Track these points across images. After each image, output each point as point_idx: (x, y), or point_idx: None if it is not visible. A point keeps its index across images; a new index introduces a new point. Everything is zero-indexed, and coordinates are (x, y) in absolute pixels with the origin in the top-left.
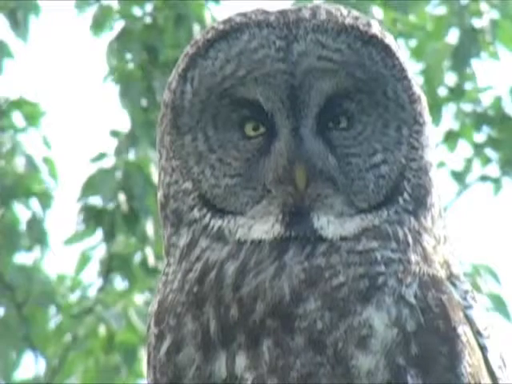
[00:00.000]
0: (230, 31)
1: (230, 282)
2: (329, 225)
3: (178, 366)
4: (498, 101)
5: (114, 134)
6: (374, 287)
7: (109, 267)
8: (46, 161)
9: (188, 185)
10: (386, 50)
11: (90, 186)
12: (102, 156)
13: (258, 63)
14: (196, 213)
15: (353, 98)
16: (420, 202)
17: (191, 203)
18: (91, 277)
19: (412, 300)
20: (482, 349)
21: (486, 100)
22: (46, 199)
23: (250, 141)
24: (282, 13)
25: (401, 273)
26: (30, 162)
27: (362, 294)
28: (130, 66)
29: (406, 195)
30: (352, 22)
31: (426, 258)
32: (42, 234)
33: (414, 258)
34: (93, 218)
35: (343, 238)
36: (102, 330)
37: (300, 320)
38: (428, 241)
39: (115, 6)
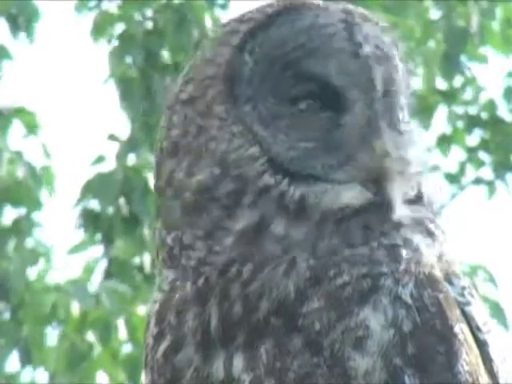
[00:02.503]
0: (293, 8)
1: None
2: (398, 202)
3: (176, 367)
4: (489, 103)
5: (112, 137)
6: (375, 287)
7: (108, 272)
8: (45, 170)
9: (255, 149)
10: (401, 59)
11: (88, 191)
12: (100, 159)
13: (328, 38)
14: (268, 179)
15: (386, 95)
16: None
17: (260, 168)
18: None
19: (408, 300)
20: (483, 344)
21: (478, 103)
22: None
23: (310, 115)
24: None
25: (397, 272)
26: (29, 169)
27: (363, 295)
28: (131, 69)
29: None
30: (385, 24)
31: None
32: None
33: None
34: (91, 222)
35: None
36: (75, 310)
37: (303, 319)
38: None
39: (115, 10)
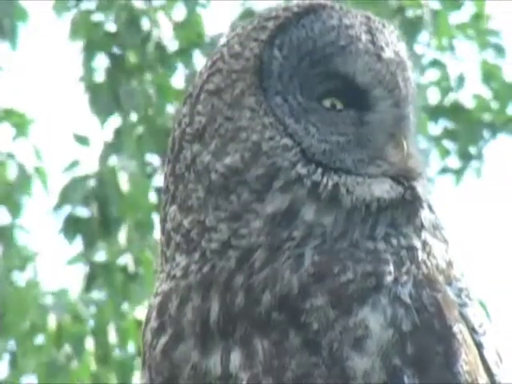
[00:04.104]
0: (319, 8)
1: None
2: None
3: (175, 364)
4: (448, 91)
5: (82, 141)
6: (378, 287)
7: (91, 276)
8: (38, 171)
9: (287, 141)
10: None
11: (65, 196)
12: (74, 164)
13: (355, 38)
14: (301, 169)
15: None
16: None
17: (293, 159)
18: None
19: (407, 300)
20: (478, 346)
21: (437, 92)
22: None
23: (336, 113)
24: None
25: (400, 272)
26: (21, 171)
27: (365, 293)
28: (98, 74)
29: None
30: (398, 34)
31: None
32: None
33: None
34: (72, 226)
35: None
36: (51, 322)
37: (306, 315)
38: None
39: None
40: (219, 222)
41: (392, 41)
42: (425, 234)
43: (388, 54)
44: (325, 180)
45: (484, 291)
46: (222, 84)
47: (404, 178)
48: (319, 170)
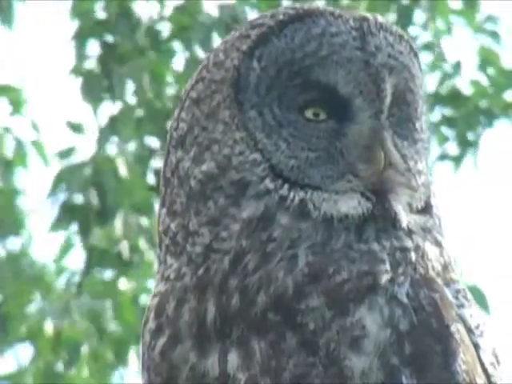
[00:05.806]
0: (306, 15)
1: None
2: (402, 212)
3: (173, 365)
4: (446, 78)
5: (76, 128)
6: (374, 286)
7: (88, 262)
8: (35, 144)
9: (256, 156)
10: (421, 67)
11: (60, 182)
12: (69, 152)
13: (339, 47)
14: (269, 184)
15: (399, 105)
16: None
17: (261, 174)
18: (74, 264)
19: (404, 299)
20: (475, 346)
21: (434, 77)
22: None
23: (315, 124)
24: (346, 10)
25: (396, 273)
26: (18, 145)
27: (361, 293)
28: (90, 62)
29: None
30: (403, 34)
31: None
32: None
33: None
34: (67, 213)
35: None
36: (48, 328)
37: (302, 316)
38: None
39: None
40: (201, 226)
41: (388, 43)
42: (416, 238)
43: (379, 59)
44: (291, 195)
45: (481, 280)
46: (203, 94)
47: (375, 192)
48: (286, 186)
